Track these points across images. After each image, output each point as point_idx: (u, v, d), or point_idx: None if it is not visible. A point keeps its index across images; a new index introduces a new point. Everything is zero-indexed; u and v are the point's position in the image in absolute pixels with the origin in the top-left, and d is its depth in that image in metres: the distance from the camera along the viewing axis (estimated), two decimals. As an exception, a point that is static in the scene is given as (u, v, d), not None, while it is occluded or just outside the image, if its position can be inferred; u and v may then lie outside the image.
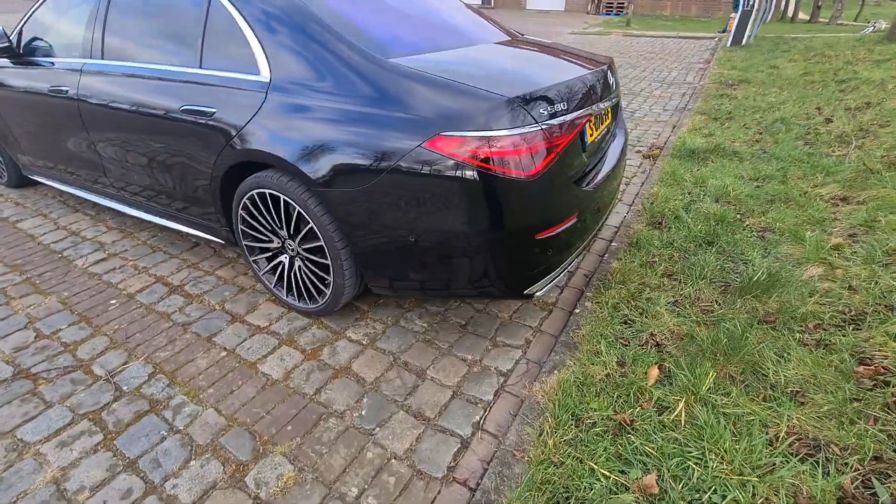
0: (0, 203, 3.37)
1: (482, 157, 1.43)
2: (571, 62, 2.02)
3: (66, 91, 2.42)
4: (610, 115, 2.14)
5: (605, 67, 2.04)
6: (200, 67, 1.94)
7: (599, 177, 1.93)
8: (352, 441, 1.56)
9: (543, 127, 1.51)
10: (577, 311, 2.11)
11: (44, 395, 1.76)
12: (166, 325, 2.12)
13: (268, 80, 1.75)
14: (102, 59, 2.30)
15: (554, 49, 2.27)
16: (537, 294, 1.74)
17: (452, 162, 1.45)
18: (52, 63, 2.56)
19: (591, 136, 1.87)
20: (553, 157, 1.54)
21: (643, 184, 3.48)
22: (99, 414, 1.67)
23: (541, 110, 1.52)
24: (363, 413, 1.67)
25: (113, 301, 2.30)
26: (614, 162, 2.11)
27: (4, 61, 2.82)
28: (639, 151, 4.23)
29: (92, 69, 2.33)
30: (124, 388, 1.79)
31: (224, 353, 1.95)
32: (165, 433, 1.60)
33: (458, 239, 1.56)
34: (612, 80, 2.08)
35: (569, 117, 1.61)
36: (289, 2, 1.78)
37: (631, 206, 3.15)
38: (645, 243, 2.52)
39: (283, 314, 2.18)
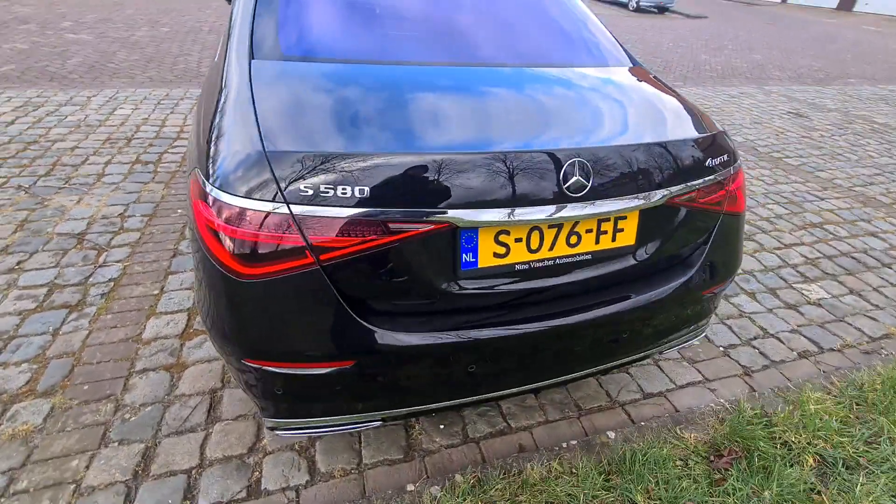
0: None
1: (202, 217, 1.00)
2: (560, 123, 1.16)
3: None
4: (612, 228, 1.19)
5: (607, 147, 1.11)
6: None
7: (511, 330, 1.12)
8: (88, 437, 1.51)
9: (294, 212, 0.93)
10: (410, 487, 1.40)
11: (65, 257, 2.33)
12: (170, 247, 2.46)
13: None
14: None
15: (614, 97, 1.35)
16: (279, 434, 1.20)
17: (192, 208, 1.07)
18: None
19: (495, 255, 1.09)
20: (298, 263, 0.96)
21: (821, 376, 1.93)
22: (56, 290, 2.11)
23: (304, 185, 0.93)
24: (128, 418, 1.58)
25: (179, 210, 2.81)
26: (605, 313, 1.19)
27: None
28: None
29: None
30: (89, 280, 2.19)
31: (156, 291, 2.15)
32: (48, 329, 1.90)
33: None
34: (646, 170, 1.12)
35: (365, 211, 0.95)
36: None
37: (755, 394, 1.82)
38: (640, 473, 1.41)
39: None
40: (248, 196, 0.93)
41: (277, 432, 1.19)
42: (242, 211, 0.94)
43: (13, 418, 1.55)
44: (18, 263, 2.25)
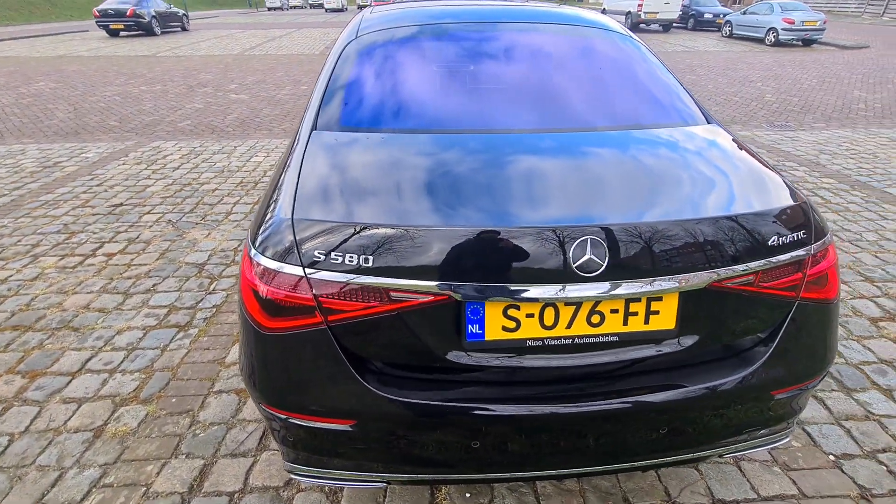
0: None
1: (243, 273, 1.13)
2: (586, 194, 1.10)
3: None
4: (644, 309, 1.08)
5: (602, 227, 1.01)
6: None
7: (509, 409, 1.07)
8: (165, 446, 1.74)
9: (308, 275, 1.02)
10: None
11: (187, 283, 2.78)
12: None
13: None
14: None
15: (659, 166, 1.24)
16: (293, 477, 1.25)
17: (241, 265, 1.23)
18: None
19: (504, 329, 1.07)
20: (309, 322, 1.03)
21: None
22: (173, 311, 2.52)
23: (318, 252, 1.01)
24: (198, 434, 1.79)
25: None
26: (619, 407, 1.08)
27: None
28: None
29: None
30: (199, 304, 2.58)
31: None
32: (160, 345, 2.26)
33: None
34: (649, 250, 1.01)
35: (369, 279, 1.00)
36: None
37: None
38: None
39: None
40: (273, 258, 1.05)
41: (293, 476, 1.26)
42: (268, 270, 1.05)
43: (118, 419, 1.87)
44: (153, 286, 2.75)
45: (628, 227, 1.02)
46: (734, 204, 1.11)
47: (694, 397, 1.10)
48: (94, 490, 1.59)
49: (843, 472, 1.62)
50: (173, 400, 1.96)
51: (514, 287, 1.00)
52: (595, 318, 1.07)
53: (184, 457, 1.71)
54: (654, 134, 1.41)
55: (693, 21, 19.22)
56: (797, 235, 1.11)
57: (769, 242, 1.08)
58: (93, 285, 2.75)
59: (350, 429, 1.09)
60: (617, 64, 1.73)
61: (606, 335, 1.09)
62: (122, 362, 2.16)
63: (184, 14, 19.81)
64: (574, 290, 1.00)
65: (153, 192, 4.12)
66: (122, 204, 3.87)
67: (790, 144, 5.36)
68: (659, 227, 1.03)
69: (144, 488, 1.59)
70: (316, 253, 1.02)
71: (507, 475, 1.18)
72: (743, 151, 1.37)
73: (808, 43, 14.76)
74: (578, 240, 0.98)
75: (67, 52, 13.50)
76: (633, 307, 1.07)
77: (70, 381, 2.04)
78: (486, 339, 1.07)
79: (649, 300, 1.07)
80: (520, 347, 1.08)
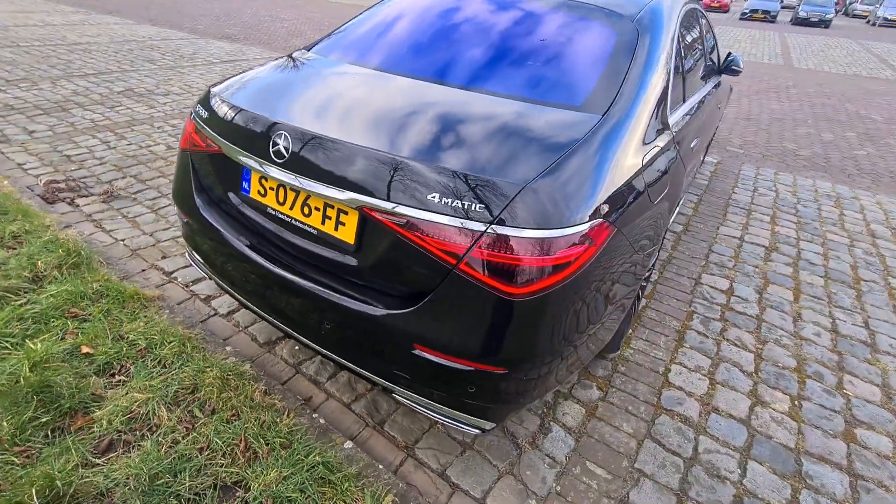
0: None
1: None
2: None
3: None
4: (335, 216, 1.30)
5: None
6: None
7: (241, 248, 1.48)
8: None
9: (195, 120, 1.63)
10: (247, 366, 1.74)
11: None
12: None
13: None
14: None
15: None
16: (188, 256, 1.99)
17: None
18: None
19: (259, 193, 1.45)
20: (184, 147, 1.69)
21: None
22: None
23: (203, 111, 1.60)
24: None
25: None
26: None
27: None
28: None
29: None
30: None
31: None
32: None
33: None
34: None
35: (206, 129, 1.57)
36: None
37: None
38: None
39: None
40: (192, 107, 1.63)
41: (187, 256, 1.98)
42: (190, 115, 1.68)
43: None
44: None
45: (322, 137, 1.26)
46: (445, 156, 1.18)
47: (343, 307, 1.28)
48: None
49: None
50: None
51: (235, 149, 1.42)
52: (306, 210, 1.35)
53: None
54: (515, 105, 1.42)
55: None
56: (473, 205, 1.09)
57: (429, 196, 1.12)
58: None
59: (187, 222, 1.67)
60: (573, 44, 1.64)
61: (310, 227, 1.35)
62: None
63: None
64: (262, 167, 1.34)
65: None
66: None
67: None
68: (341, 146, 1.23)
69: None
70: (200, 108, 1.63)
71: (255, 307, 1.56)
72: (570, 145, 1.26)
73: None
74: (276, 133, 1.33)
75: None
76: (328, 212, 1.30)
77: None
78: (250, 196, 1.47)
79: (339, 211, 1.27)
80: (264, 211, 1.43)
